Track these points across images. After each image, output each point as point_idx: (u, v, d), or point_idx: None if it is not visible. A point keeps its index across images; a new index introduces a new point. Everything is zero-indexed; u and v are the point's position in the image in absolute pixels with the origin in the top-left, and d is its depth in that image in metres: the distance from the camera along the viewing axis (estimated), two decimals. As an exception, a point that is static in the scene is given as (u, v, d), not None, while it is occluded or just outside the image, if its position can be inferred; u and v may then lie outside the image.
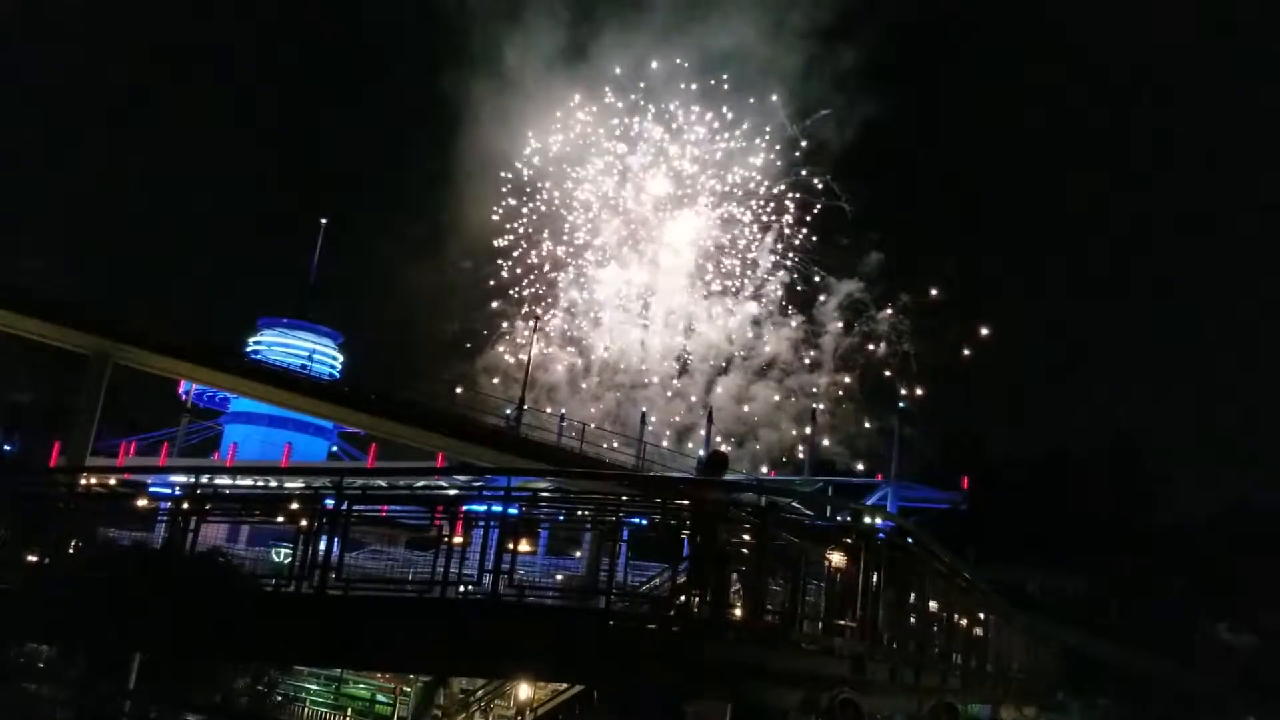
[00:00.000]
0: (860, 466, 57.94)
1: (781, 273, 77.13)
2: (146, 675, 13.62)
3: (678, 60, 74.23)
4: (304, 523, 12.03)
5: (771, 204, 78.18)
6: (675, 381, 74.04)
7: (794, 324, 76.01)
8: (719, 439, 58.20)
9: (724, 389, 72.97)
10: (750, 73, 75.61)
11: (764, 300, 76.84)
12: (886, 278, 73.24)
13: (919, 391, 64.66)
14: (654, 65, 73.94)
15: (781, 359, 74.74)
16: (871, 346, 75.75)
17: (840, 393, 70.52)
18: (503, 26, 73.73)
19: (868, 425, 66.38)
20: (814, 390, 71.58)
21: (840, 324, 75.04)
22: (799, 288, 76.20)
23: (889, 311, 74.15)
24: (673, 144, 76.57)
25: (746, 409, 71.19)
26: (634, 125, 77.62)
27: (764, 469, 61.63)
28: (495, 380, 64.43)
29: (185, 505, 12.67)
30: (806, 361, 74.34)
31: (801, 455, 61.95)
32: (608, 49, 74.07)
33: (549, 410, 57.34)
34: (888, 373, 70.40)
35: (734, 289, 76.96)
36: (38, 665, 17.21)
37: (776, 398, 71.76)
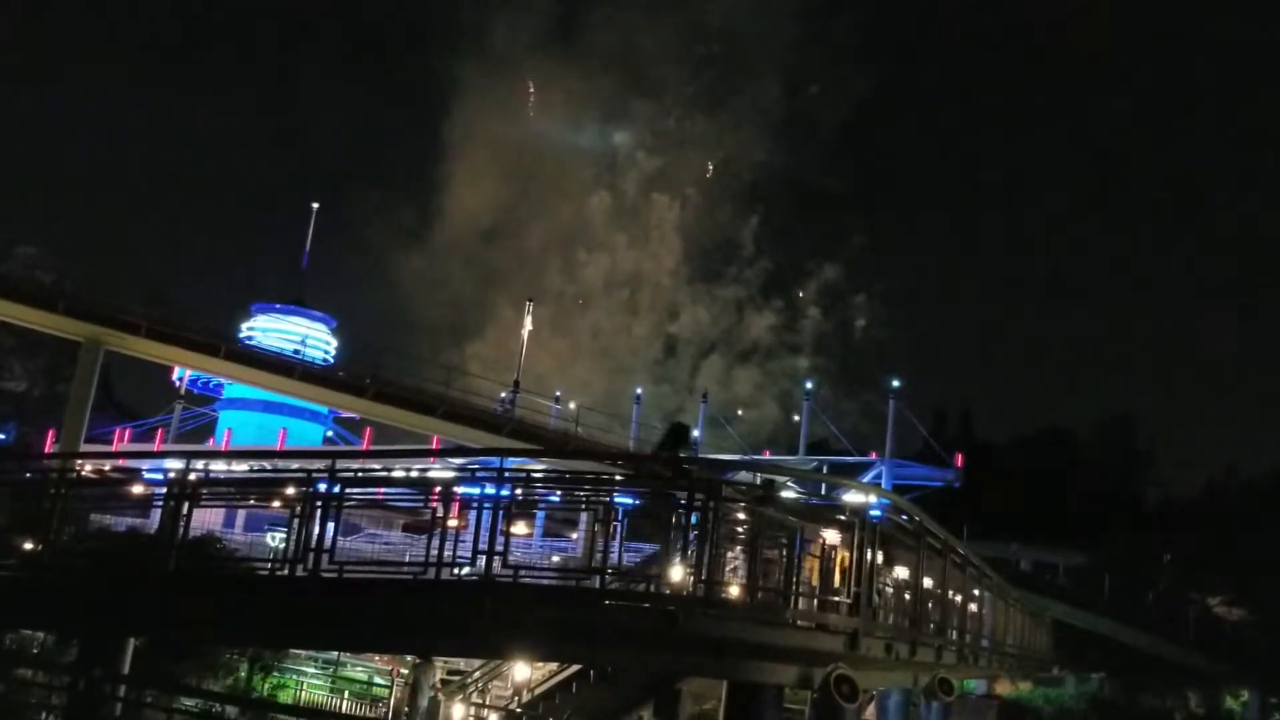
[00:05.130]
0: (848, 445, 58.28)
1: (765, 257, 77.11)
2: (141, 659, 13.62)
3: (666, 36, 73.96)
4: (298, 507, 12.01)
5: (757, 185, 78.05)
6: (660, 365, 74.14)
7: (776, 307, 76.12)
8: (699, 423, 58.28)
9: (709, 372, 73.26)
10: (740, 50, 75.34)
11: (748, 283, 76.83)
12: (870, 257, 73.44)
13: (905, 372, 65.08)
14: (643, 41, 73.70)
15: (764, 342, 74.95)
16: (852, 326, 75.98)
17: (820, 373, 70.79)
18: (493, 4, 73.35)
19: (853, 405, 66.74)
20: (803, 368, 71.82)
21: (821, 307, 75.30)
22: (784, 270, 76.22)
23: (864, 296, 74.35)
24: (661, 122, 76.21)
25: (733, 390, 71.47)
26: (623, 103, 77.27)
27: (765, 451, 61.79)
28: (476, 372, 64.48)
29: (178, 490, 12.62)
30: (789, 344, 74.55)
31: (792, 430, 62.15)
32: (597, 26, 73.73)
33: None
34: (873, 353, 70.80)
35: (719, 272, 76.88)
36: (32, 651, 17.25)
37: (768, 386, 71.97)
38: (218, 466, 27.44)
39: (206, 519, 15.75)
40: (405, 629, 11.97)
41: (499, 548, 11.45)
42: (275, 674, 26.77)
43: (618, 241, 76.36)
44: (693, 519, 11.33)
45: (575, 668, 21.31)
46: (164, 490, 13.08)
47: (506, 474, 12.19)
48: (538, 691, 22.36)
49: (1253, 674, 41.58)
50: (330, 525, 11.89)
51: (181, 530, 12.27)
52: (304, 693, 26.99)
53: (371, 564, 15.86)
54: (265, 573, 13.07)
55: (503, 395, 50.46)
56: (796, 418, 60.30)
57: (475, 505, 12.06)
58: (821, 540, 12.27)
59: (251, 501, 18.65)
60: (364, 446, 50.86)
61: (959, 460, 52.39)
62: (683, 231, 76.57)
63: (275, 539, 24.15)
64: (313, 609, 11.59)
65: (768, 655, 11.38)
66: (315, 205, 63.07)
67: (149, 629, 13.17)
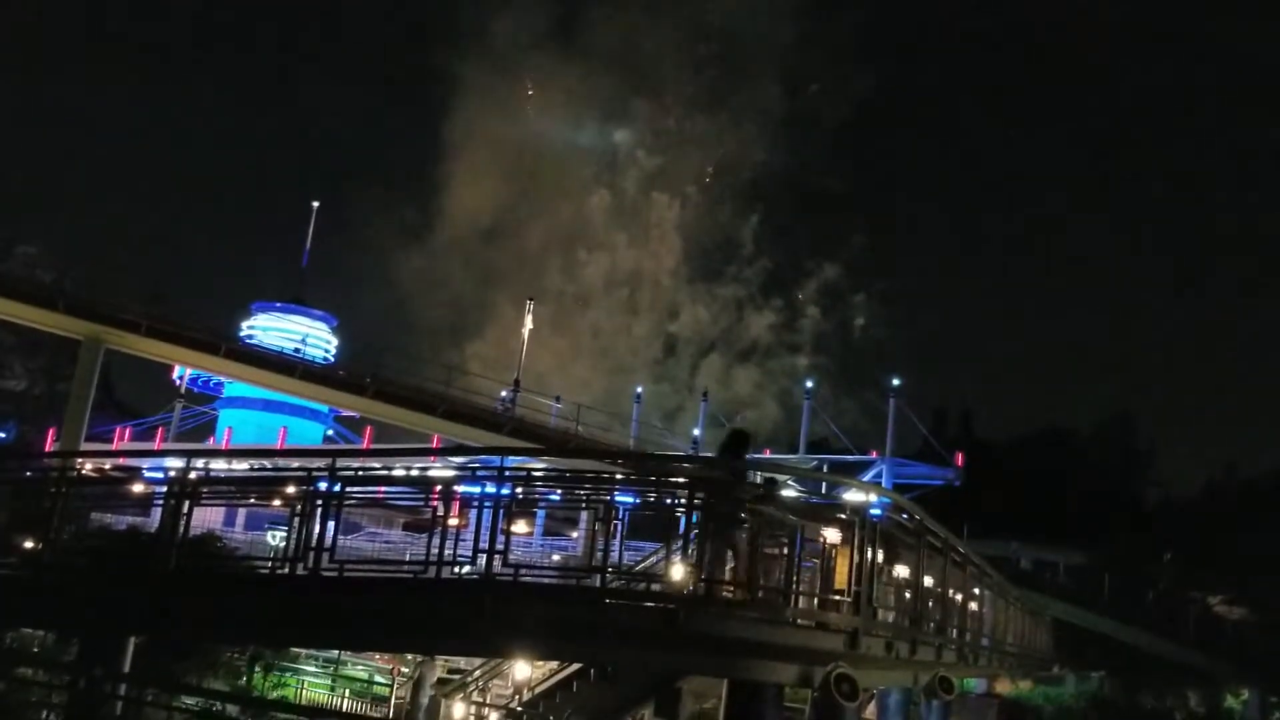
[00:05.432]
0: (849, 444, 58.28)
1: (765, 256, 77.03)
2: (141, 658, 13.62)
3: (666, 36, 73.91)
4: (299, 505, 12.00)
5: (757, 184, 77.97)
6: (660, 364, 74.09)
7: (776, 306, 76.04)
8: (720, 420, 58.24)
9: (708, 371, 73.25)
10: (740, 50, 75.30)
11: (748, 282, 76.76)
12: (870, 257, 73.55)
13: (905, 372, 65.07)
14: (643, 41, 73.67)
15: (764, 341, 74.92)
16: (852, 326, 75.94)
17: (820, 372, 70.76)
18: (493, 4, 73.36)
19: (853, 404, 66.73)
20: (803, 367, 71.79)
21: (820, 306, 75.26)
22: (784, 270, 76.18)
23: (863, 296, 74.32)
24: (661, 121, 76.09)
25: (733, 389, 71.47)
26: (623, 103, 77.17)
27: (765, 450, 61.77)
28: (476, 371, 64.44)
29: (179, 488, 12.61)
30: (788, 343, 74.51)
31: (792, 429, 62.09)
32: (597, 25, 73.66)
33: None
34: (873, 352, 70.80)
35: (719, 272, 76.78)
36: (32, 650, 17.25)
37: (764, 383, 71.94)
38: (218, 465, 27.42)
39: (207, 518, 15.72)
40: (406, 628, 11.97)
41: (499, 546, 11.44)
42: (276, 673, 26.77)
43: (618, 241, 76.42)
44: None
45: (575, 666, 21.28)
46: (164, 489, 13.07)
47: (507, 473, 12.18)
48: (538, 690, 22.32)
49: (1253, 673, 41.58)
50: (331, 524, 11.88)
51: (182, 529, 12.26)
52: (305, 691, 26.99)
53: (372, 563, 15.87)
54: (266, 571, 13.07)
55: (503, 394, 50.44)
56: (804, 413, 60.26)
57: (476, 504, 12.04)
58: (822, 539, 12.26)
59: (252, 500, 18.63)
60: (364, 445, 50.84)
61: (959, 459, 52.36)
62: (683, 231, 76.60)
63: (275, 538, 24.13)
64: (313, 608, 11.58)
65: (768, 654, 11.38)
66: (315, 204, 63.06)
67: (149, 628, 13.16)
